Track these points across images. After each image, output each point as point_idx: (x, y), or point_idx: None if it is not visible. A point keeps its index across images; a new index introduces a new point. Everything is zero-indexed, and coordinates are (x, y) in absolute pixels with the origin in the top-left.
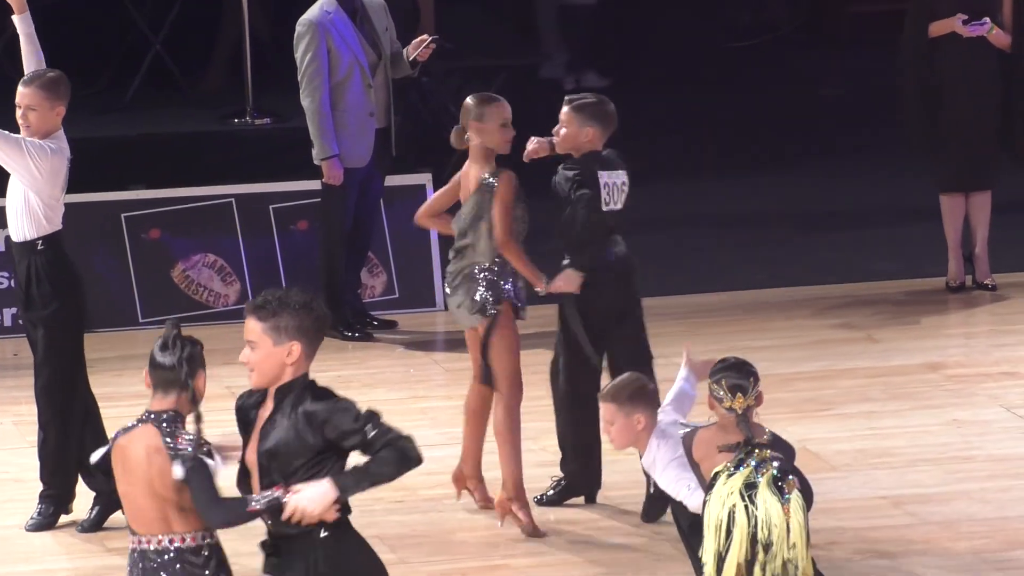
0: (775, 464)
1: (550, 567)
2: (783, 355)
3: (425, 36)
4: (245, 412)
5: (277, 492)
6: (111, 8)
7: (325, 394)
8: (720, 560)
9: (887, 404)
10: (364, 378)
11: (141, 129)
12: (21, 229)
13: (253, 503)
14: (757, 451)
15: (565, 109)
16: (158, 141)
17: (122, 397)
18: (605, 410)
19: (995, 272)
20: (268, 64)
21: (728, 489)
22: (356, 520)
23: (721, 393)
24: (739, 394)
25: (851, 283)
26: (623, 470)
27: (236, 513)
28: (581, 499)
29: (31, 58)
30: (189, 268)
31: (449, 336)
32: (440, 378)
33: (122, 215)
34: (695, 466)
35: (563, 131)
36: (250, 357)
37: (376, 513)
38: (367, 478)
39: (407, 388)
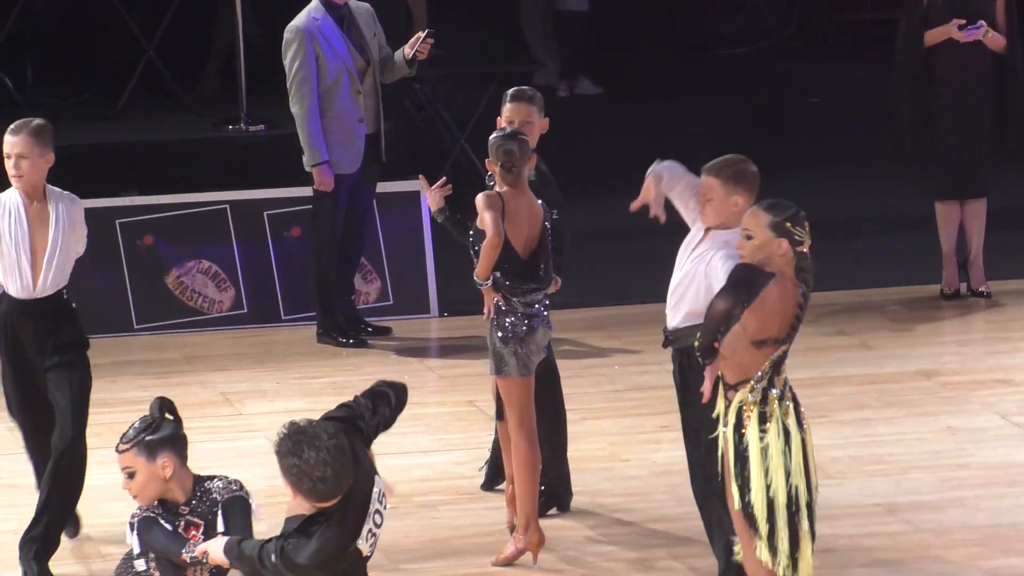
0: (791, 390)
1: (544, 573)
2: None
3: (419, 33)
4: None
5: (193, 547)
6: (104, 15)
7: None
8: (768, 498)
9: (882, 411)
10: (358, 384)
11: (135, 136)
12: (50, 283)
13: (187, 553)
14: (777, 377)
15: (524, 104)
16: (152, 148)
17: (116, 403)
18: (706, 183)
19: (990, 279)
20: (261, 71)
21: (769, 433)
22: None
23: (802, 234)
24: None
25: (845, 290)
26: (613, 477)
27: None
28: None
29: None
30: (183, 274)
31: (443, 343)
32: (434, 384)
33: (116, 221)
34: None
35: (531, 125)
36: None
37: None
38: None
39: None
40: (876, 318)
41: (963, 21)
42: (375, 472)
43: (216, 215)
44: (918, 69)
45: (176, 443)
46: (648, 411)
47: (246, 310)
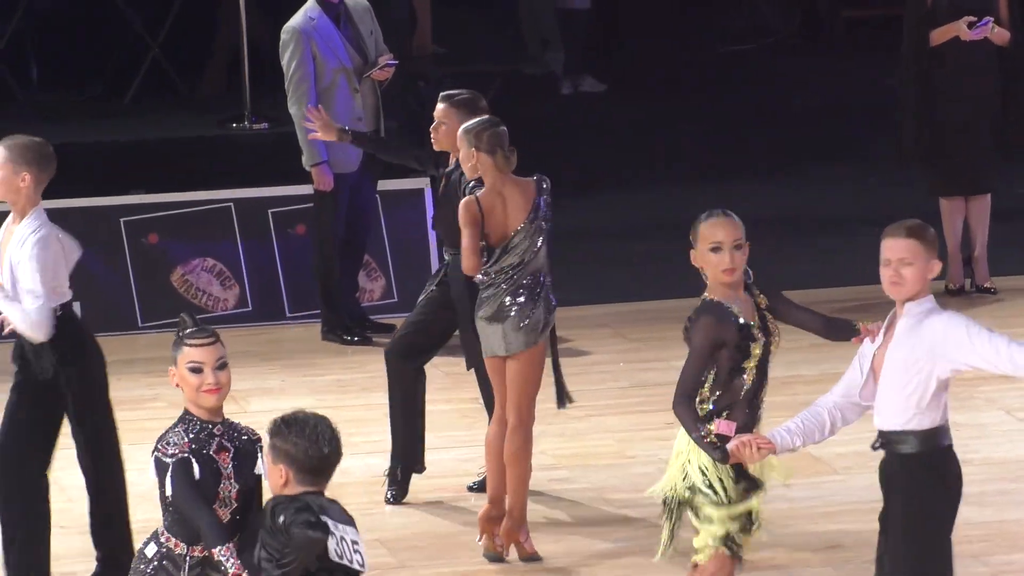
0: None
1: (549, 572)
2: (781, 358)
3: (382, 58)
4: None
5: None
6: (109, 12)
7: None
8: None
9: None
10: (363, 382)
11: (139, 134)
12: None
13: (222, 556)
14: None
15: (442, 105)
16: (156, 146)
17: (121, 401)
18: (907, 247)
19: (994, 275)
20: (266, 69)
21: None
22: (357, 523)
23: None
24: None
25: (849, 286)
26: (619, 474)
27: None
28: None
29: None
30: (188, 272)
31: (448, 340)
32: (438, 382)
33: (121, 219)
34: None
35: (442, 127)
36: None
37: (376, 516)
38: None
39: None
40: (880, 314)
41: (973, 19)
42: None
43: (221, 213)
44: (924, 68)
45: None
46: (653, 408)
47: (251, 308)
